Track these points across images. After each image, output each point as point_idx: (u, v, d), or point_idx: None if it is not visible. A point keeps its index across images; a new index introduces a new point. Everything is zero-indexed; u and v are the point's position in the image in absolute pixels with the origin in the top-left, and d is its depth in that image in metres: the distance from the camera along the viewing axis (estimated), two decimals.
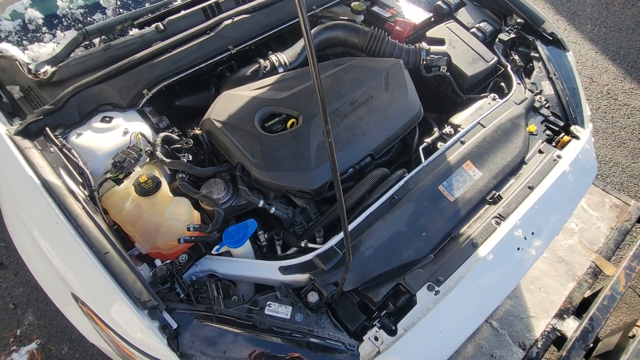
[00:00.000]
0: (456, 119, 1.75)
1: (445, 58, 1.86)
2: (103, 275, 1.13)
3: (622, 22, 4.49)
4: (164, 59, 1.60)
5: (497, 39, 2.05)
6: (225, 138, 1.49)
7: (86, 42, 1.66)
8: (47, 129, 1.42)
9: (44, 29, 1.74)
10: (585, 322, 2.02)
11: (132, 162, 1.39)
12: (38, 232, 1.24)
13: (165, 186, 1.40)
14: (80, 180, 1.34)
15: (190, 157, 1.48)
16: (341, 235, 1.34)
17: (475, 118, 1.72)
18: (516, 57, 1.99)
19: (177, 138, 1.54)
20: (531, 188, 1.51)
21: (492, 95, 1.84)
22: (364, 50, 1.88)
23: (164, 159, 1.43)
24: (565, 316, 2.37)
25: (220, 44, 1.70)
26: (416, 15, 2.06)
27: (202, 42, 1.66)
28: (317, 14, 1.98)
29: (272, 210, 1.43)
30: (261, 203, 1.43)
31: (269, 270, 1.31)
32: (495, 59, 1.94)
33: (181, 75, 1.63)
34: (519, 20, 2.08)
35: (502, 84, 1.96)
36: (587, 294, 2.43)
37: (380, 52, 1.86)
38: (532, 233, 1.43)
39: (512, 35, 2.05)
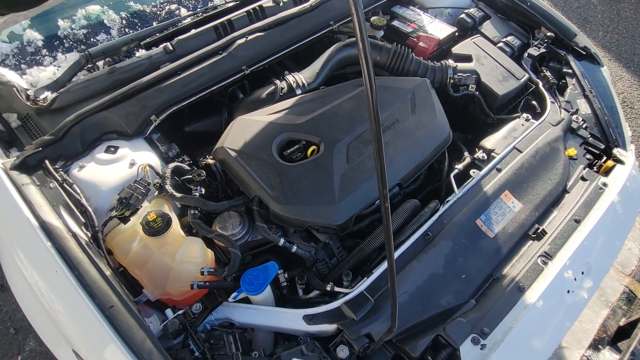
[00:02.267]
0: (488, 142, 1.62)
1: (474, 76, 1.73)
2: (108, 333, 1.00)
3: (634, 29, 4.38)
4: (173, 82, 1.48)
5: (526, 54, 1.92)
6: (240, 168, 1.37)
7: (89, 65, 1.54)
8: (47, 161, 1.30)
9: (44, 51, 1.62)
10: (627, 357, 1.87)
11: (140, 198, 1.26)
12: (36, 281, 1.11)
13: (176, 224, 1.27)
14: (83, 220, 1.21)
15: (203, 190, 1.35)
16: (372, 279, 1.20)
17: (509, 142, 1.59)
18: (548, 74, 1.86)
19: (188, 168, 1.42)
20: (578, 221, 1.38)
21: (524, 115, 1.71)
22: (387, 68, 1.76)
23: (175, 193, 1.30)
24: (600, 347, 2.22)
25: (233, 65, 1.58)
26: (439, 29, 1.94)
27: (213, 63, 1.54)
28: (334, 30, 1.86)
29: (294, 249, 1.30)
30: (282, 242, 1.29)
31: (292, 320, 1.17)
32: (527, 76, 1.81)
33: (191, 100, 1.51)
34: (548, 33, 1.95)
35: (534, 102, 1.83)
36: (623, 322, 2.28)
37: (404, 70, 1.73)
38: (582, 273, 1.29)
39: (542, 50, 1.92)
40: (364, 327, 1.13)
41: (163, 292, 1.21)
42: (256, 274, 1.18)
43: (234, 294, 1.18)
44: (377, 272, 1.22)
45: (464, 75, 1.73)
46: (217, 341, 1.10)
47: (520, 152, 1.53)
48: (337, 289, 1.24)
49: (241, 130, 1.45)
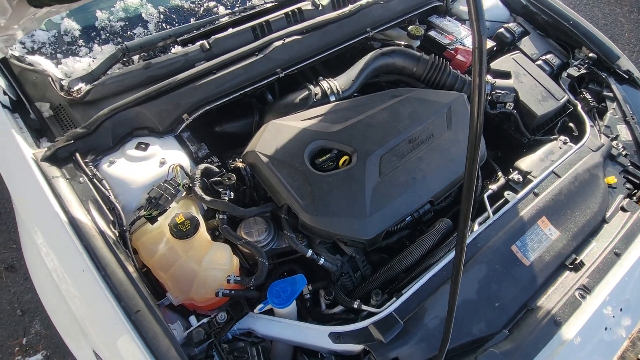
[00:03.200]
0: (523, 163, 1.57)
1: (512, 94, 1.68)
2: (132, 338, 0.98)
3: None
4: (208, 82, 1.45)
5: (564, 74, 1.87)
6: (271, 175, 1.33)
7: (125, 59, 1.52)
8: (78, 155, 1.28)
9: (80, 41, 1.60)
10: None
11: (169, 198, 1.24)
12: (61, 278, 1.09)
13: (203, 228, 1.25)
14: (111, 218, 1.19)
15: (232, 195, 1.32)
16: (401, 300, 1.16)
17: (546, 165, 1.53)
18: (587, 96, 1.80)
19: (217, 170, 1.39)
20: (618, 255, 1.32)
21: (562, 138, 1.65)
22: (422, 80, 1.71)
23: (204, 196, 1.27)
24: None
25: (268, 67, 1.55)
26: None
27: (249, 64, 1.51)
28: (369, 37, 1.82)
29: (321, 261, 1.27)
30: (309, 253, 1.26)
31: (317, 336, 1.14)
32: (566, 97, 1.75)
33: (224, 100, 1.48)
34: (590, 54, 1.89)
35: (571, 124, 1.77)
36: None
37: (441, 83, 1.69)
38: (621, 310, 1.23)
39: (583, 71, 1.86)
40: (392, 350, 1.10)
41: (187, 297, 1.18)
42: (284, 287, 1.15)
43: (259, 306, 1.15)
44: (407, 294, 1.18)
45: (502, 92, 1.68)
46: (241, 354, 1.07)
47: (559, 176, 1.48)
48: (364, 307, 1.20)
49: (273, 135, 1.42)
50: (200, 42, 1.52)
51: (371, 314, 1.16)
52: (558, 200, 1.41)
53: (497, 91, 1.68)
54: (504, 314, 1.18)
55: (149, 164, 1.33)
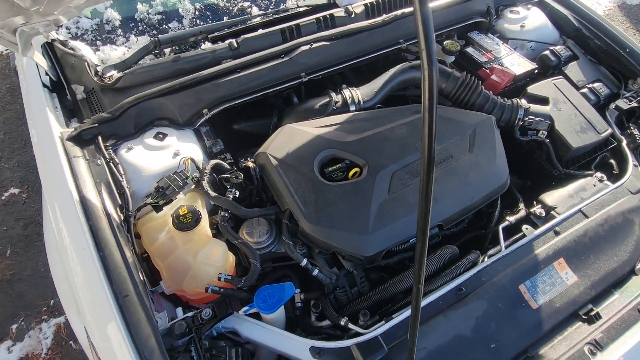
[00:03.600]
0: (549, 197, 1.45)
1: (547, 122, 1.57)
2: (116, 321, 1.01)
3: None
4: (231, 80, 1.48)
5: (612, 105, 1.71)
6: (278, 178, 1.33)
7: (156, 51, 1.59)
8: (100, 137, 1.35)
9: (119, 31, 1.70)
10: None
11: (176, 190, 1.27)
12: (66, 252, 1.16)
13: (204, 222, 1.27)
14: (119, 202, 1.24)
15: (237, 193, 1.33)
16: (389, 325, 1.12)
17: (575, 202, 1.42)
18: (635, 132, 1.64)
19: (228, 167, 1.41)
20: None
21: (598, 174, 1.52)
22: (450, 98, 1.64)
23: (210, 192, 1.30)
24: None
25: (292, 70, 1.56)
26: (517, 63, 1.78)
27: (274, 66, 1.53)
28: (402, 48, 1.77)
29: (315, 272, 1.24)
30: (304, 262, 1.24)
31: (298, 348, 1.12)
32: (609, 131, 1.61)
33: (245, 99, 1.50)
34: None
35: (612, 161, 1.63)
36: None
37: (470, 102, 1.61)
38: None
39: (634, 104, 1.70)
40: None
41: (178, 288, 1.21)
42: (271, 292, 1.14)
43: (245, 307, 1.15)
44: (397, 319, 1.13)
45: (536, 119, 1.57)
46: (219, 353, 1.07)
47: (587, 217, 1.36)
48: (351, 325, 1.17)
49: (287, 139, 1.42)
50: (229, 40, 1.55)
51: (358, 334, 1.13)
52: (581, 243, 1.30)
53: (531, 117, 1.57)
54: (499, 357, 1.10)
55: (163, 153, 1.37)
